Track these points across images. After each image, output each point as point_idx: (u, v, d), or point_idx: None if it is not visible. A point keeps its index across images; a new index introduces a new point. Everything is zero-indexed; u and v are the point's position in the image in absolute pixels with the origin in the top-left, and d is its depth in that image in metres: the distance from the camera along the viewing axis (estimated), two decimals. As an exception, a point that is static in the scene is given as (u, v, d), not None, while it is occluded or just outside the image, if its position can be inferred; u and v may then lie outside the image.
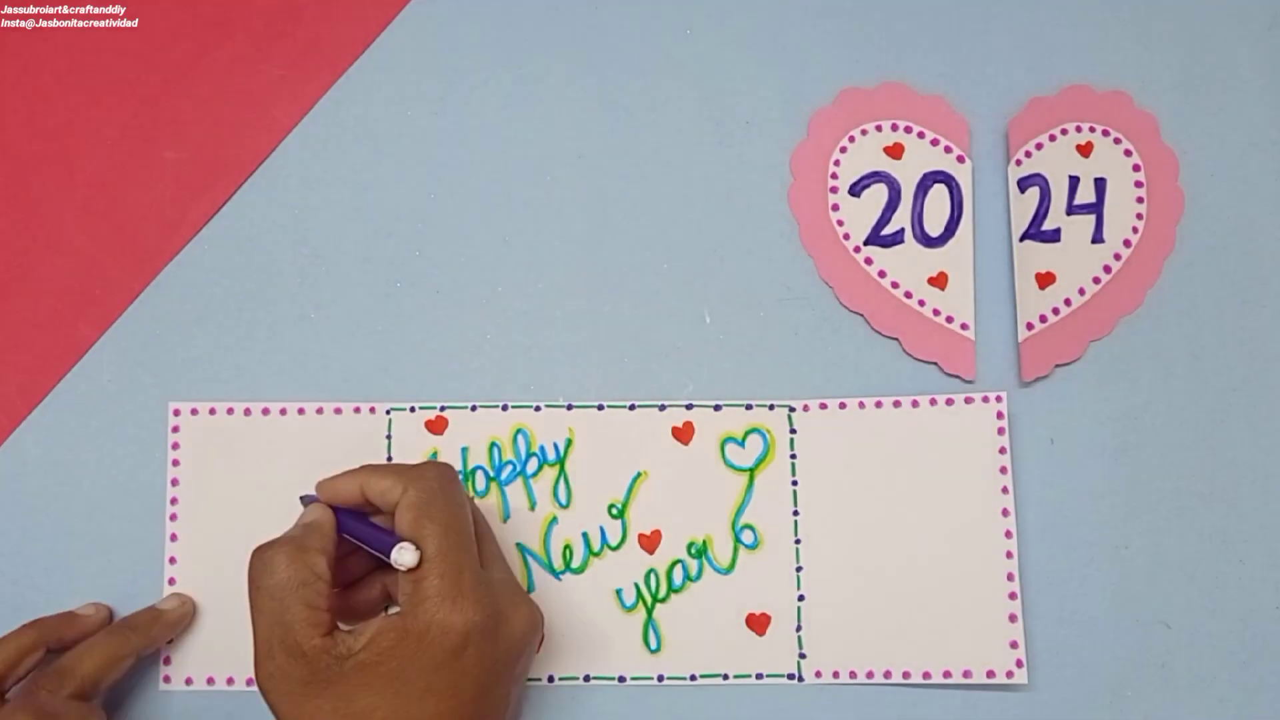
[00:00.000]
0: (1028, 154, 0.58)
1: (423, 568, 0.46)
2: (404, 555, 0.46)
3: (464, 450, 0.55)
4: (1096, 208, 0.57)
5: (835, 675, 0.54)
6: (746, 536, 0.55)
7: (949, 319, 0.57)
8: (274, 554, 0.46)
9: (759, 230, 0.58)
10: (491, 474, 0.55)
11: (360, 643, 0.45)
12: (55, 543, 0.54)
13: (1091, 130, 0.58)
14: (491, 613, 0.46)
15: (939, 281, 0.57)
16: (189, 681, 0.54)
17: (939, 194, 0.58)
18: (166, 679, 0.54)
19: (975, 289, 0.57)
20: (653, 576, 0.54)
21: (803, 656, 0.54)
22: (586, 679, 0.54)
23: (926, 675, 0.53)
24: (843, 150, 0.58)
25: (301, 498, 0.51)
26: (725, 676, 0.54)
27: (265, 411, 0.55)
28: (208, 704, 0.54)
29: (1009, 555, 0.54)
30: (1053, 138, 0.58)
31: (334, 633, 0.46)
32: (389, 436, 0.55)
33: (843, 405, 0.56)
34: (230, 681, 0.53)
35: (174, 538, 0.54)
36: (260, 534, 0.53)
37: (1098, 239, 0.57)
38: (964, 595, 0.54)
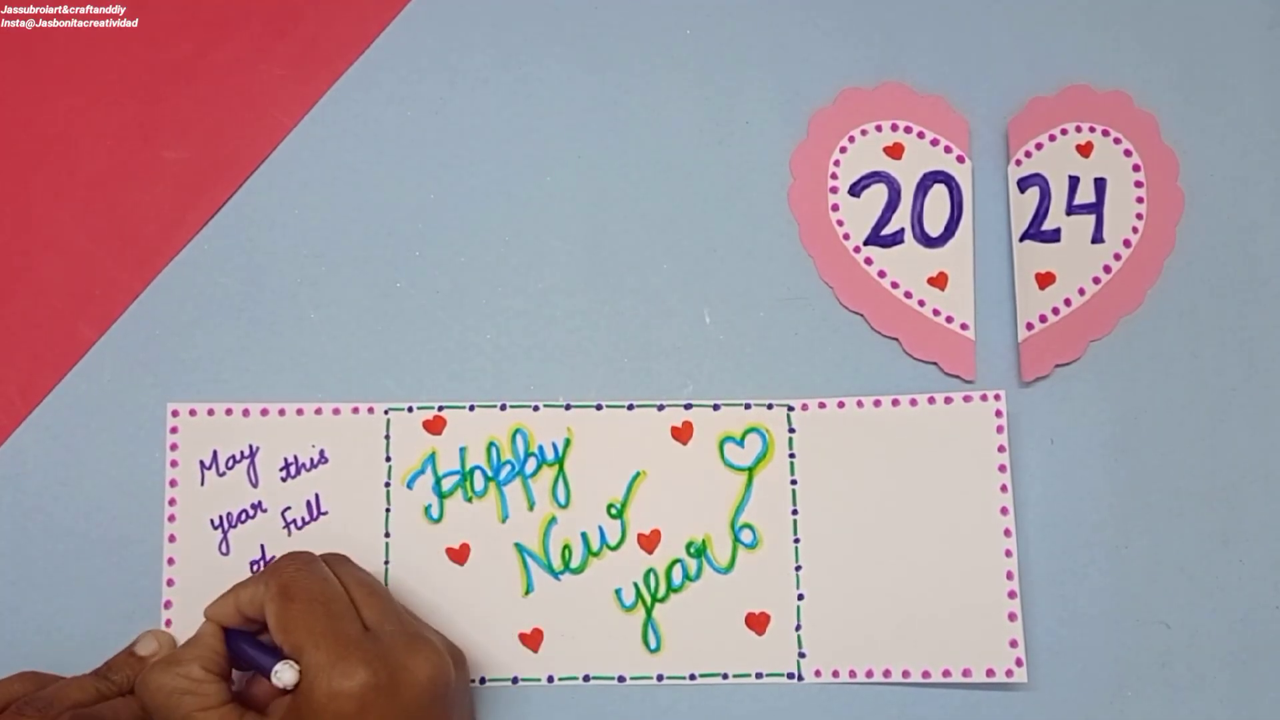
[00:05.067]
0: (1028, 154, 0.58)
1: (300, 647, 0.46)
2: (283, 675, 0.46)
3: (462, 450, 0.55)
4: (1096, 208, 0.57)
5: (835, 674, 0.54)
6: (745, 536, 0.55)
7: (949, 319, 0.57)
8: (149, 677, 0.47)
9: (759, 230, 0.58)
10: (490, 474, 0.55)
11: None
12: (55, 543, 0.54)
13: (1091, 130, 0.58)
14: (384, 668, 0.45)
15: (939, 281, 0.57)
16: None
17: (939, 194, 0.58)
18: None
19: (975, 289, 0.57)
20: (652, 576, 0.54)
21: (802, 656, 0.54)
22: (586, 679, 0.54)
23: (926, 674, 0.53)
24: (843, 150, 0.58)
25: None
26: (725, 676, 0.54)
27: (264, 412, 0.55)
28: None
29: (1008, 554, 0.54)
30: (1053, 138, 0.58)
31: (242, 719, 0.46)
32: (387, 437, 0.55)
33: (841, 404, 0.56)
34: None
35: (172, 539, 0.54)
36: (258, 534, 0.54)
37: (1098, 239, 0.57)
38: (963, 594, 0.54)
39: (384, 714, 0.45)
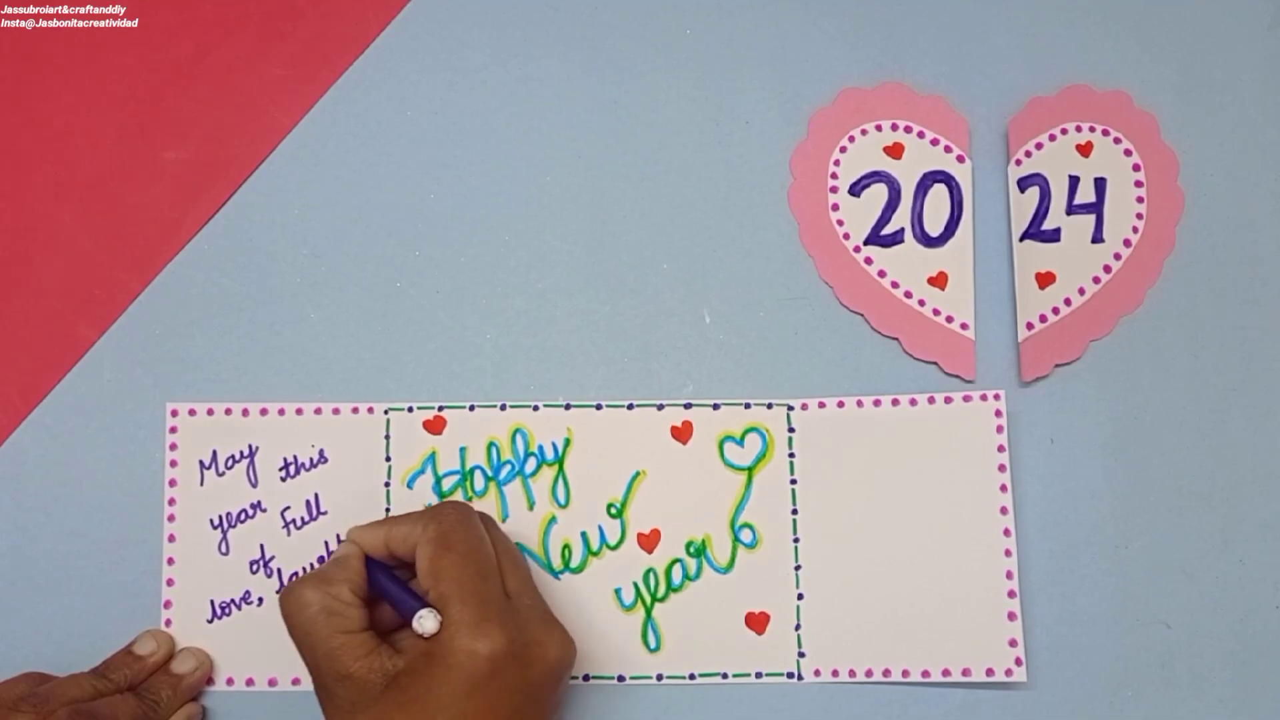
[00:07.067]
0: (1028, 154, 0.58)
1: (447, 598, 0.46)
2: (425, 622, 0.46)
3: (462, 450, 0.55)
4: (1096, 207, 0.57)
5: (834, 674, 0.54)
6: (745, 535, 0.55)
7: (949, 319, 0.57)
8: (300, 591, 0.47)
9: (759, 230, 0.58)
10: (490, 474, 0.55)
11: (398, 664, 0.46)
12: (55, 543, 0.54)
13: (1091, 130, 0.58)
14: (519, 638, 0.46)
15: (939, 281, 0.57)
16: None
17: (939, 194, 0.58)
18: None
19: (975, 289, 0.57)
20: (652, 576, 0.54)
21: (802, 655, 0.54)
22: (586, 678, 0.54)
23: (925, 674, 0.53)
24: (843, 150, 0.58)
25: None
26: (724, 675, 0.54)
27: (264, 412, 0.55)
28: (208, 704, 0.54)
29: (1008, 554, 0.54)
30: (1053, 138, 0.58)
31: (379, 650, 0.47)
32: (387, 436, 0.55)
33: (840, 404, 0.56)
34: (230, 682, 0.53)
35: (172, 539, 0.54)
36: (258, 534, 0.54)
37: (1098, 239, 0.57)
38: (963, 594, 0.54)
39: (512, 683, 0.45)
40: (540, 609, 0.48)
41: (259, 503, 0.55)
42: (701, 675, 0.54)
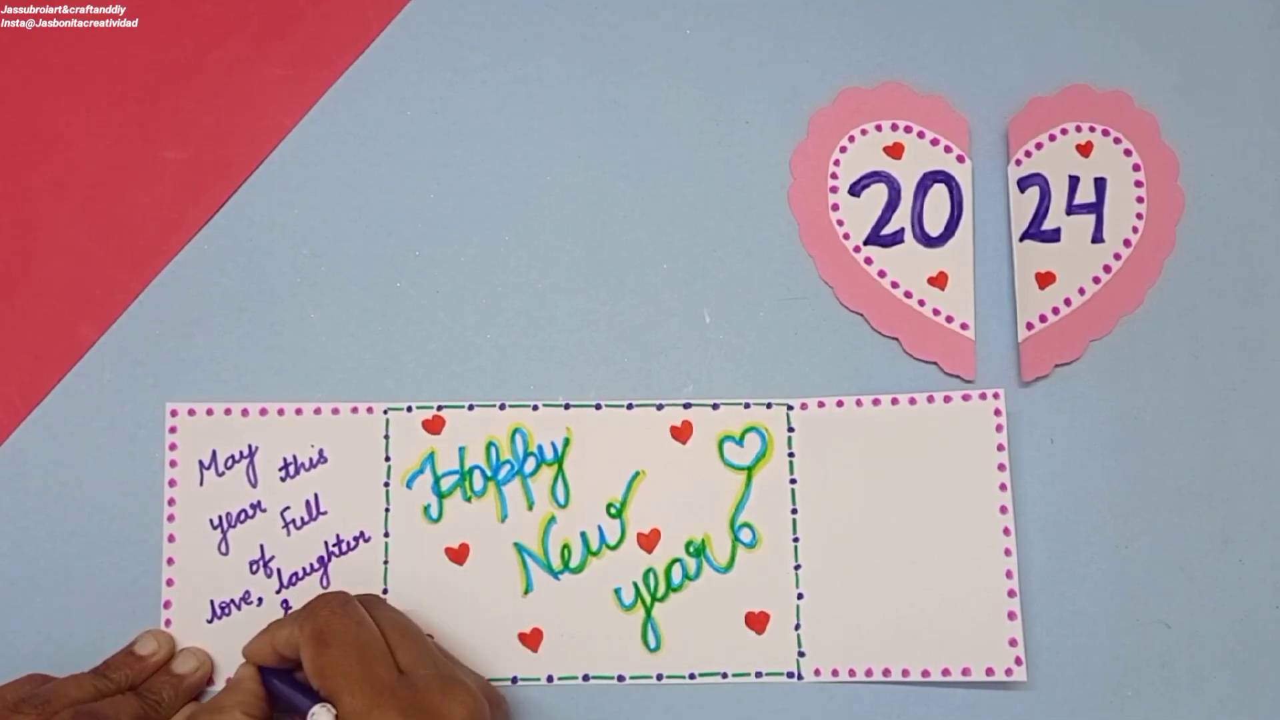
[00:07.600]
0: (1028, 154, 0.58)
1: (336, 693, 0.46)
2: (320, 717, 0.45)
3: (461, 450, 0.55)
4: (1096, 207, 0.57)
5: (834, 674, 0.54)
6: (745, 535, 0.55)
7: (949, 319, 0.57)
8: None
9: (759, 230, 0.58)
10: (489, 473, 0.55)
11: None
12: (55, 543, 0.54)
13: (1091, 130, 0.58)
14: (419, 714, 0.45)
15: (939, 281, 0.57)
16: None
17: (939, 194, 0.58)
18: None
19: (975, 289, 0.57)
20: (651, 576, 0.54)
21: (802, 655, 0.54)
22: (585, 678, 0.54)
23: (925, 673, 0.53)
24: (842, 150, 0.58)
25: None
26: (724, 675, 0.54)
27: (264, 412, 0.55)
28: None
29: (1007, 553, 0.54)
30: (1053, 138, 0.58)
31: None
32: (386, 436, 0.55)
33: (840, 404, 0.56)
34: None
35: (172, 539, 0.54)
36: (258, 534, 0.54)
37: (1098, 239, 0.57)
38: (963, 593, 0.54)
39: None
40: (440, 674, 0.47)
41: (259, 503, 0.55)
42: (701, 675, 0.54)
